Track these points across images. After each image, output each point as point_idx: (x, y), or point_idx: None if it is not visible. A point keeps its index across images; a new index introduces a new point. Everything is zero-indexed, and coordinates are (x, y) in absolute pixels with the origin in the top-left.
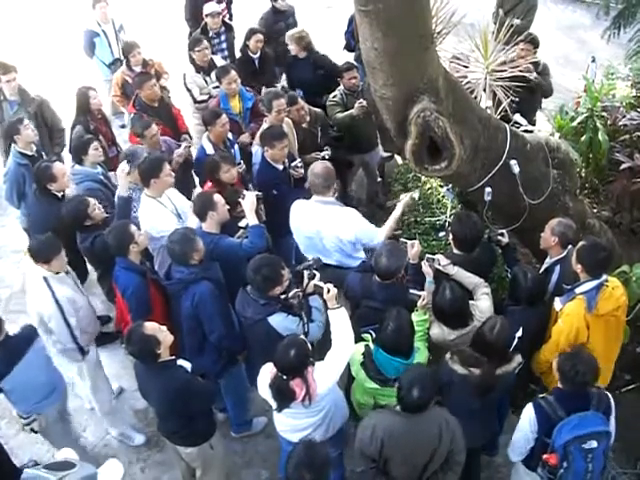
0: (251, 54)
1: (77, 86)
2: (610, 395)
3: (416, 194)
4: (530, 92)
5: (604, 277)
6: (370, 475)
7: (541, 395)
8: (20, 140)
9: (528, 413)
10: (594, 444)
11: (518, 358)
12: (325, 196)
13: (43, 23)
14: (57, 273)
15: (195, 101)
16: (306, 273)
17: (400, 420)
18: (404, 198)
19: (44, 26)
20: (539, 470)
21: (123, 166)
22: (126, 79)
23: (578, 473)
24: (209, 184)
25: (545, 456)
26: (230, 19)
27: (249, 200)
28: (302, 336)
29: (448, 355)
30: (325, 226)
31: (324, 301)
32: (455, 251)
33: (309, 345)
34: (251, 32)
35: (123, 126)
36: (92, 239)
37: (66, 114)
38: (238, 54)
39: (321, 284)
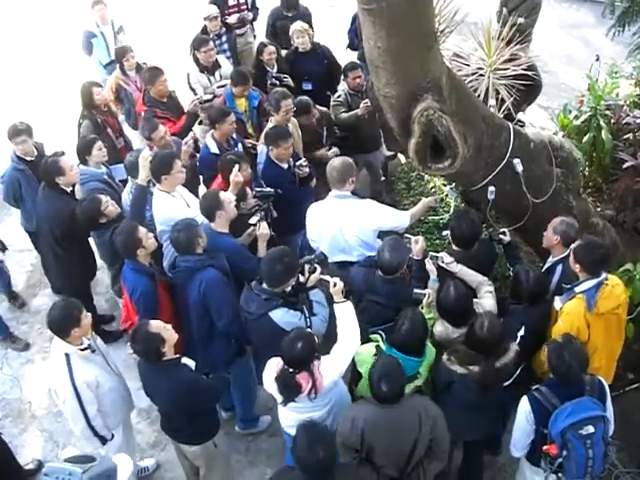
0: (268, 68)
1: (77, 83)
2: (603, 380)
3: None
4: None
5: (604, 275)
6: (354, 465)
7: (535, 387)
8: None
9: (523, 406)
10: (591, 429)
11: (514, 347)
12: (341, 190)
13: (45, 20)
14: (84, 350)
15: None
16: (307, 267)
17: (378, 410)
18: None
19: (46, 23)
20: (542, 463)
21: (146, 153)
22: (120, 83)
23: (579, 461)
24: (218, 181)
25: (545, 447)
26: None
27: (263, 232)
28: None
29: (445, 356)
30: (346, 221)
31: (330, 295)
32: (454, 247)
33: (316, 338)
34: (262, 46)
35: None
36: (110, 234)
37: (66, 110)
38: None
39: (327, 278)
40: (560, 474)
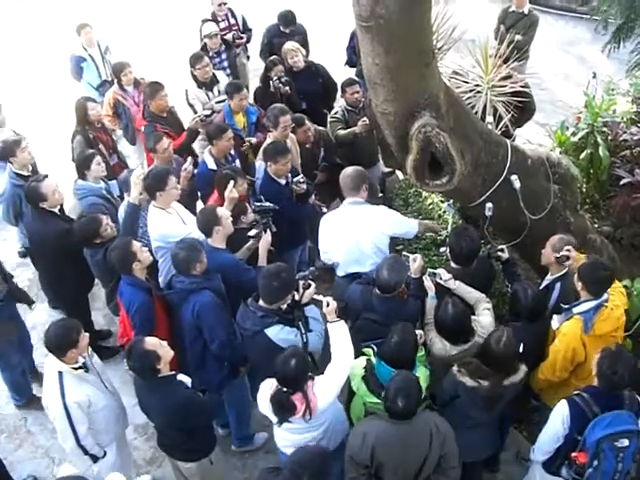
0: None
1: (69, 100)
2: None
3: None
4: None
5: (604, 297)
6: None
7: (575, 392)
8: (16, 162)
9: (561, 409)
10: (626, 442)
11: (524, 368)
12: (355, 197)
13: (28, 47)
14: (77, 369)
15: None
16: (301, 283)
17: (390, 426)
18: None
19: (29, 50)
20: (563, 471)
21: (138, 171)
22: (118, 99)
23: (607, 473)
24: (214, 197)
25: (574, 454)
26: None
27: (265, 241)
28: (302, 348)
29: (455, 368)
30: (362, 228)
31: (323, 314)
32: (453, 265)
33: (309, 357)
34: (272, 64)
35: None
36: (104, 252)
37: (59, 127)
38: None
39: (320, 297)
40: None
